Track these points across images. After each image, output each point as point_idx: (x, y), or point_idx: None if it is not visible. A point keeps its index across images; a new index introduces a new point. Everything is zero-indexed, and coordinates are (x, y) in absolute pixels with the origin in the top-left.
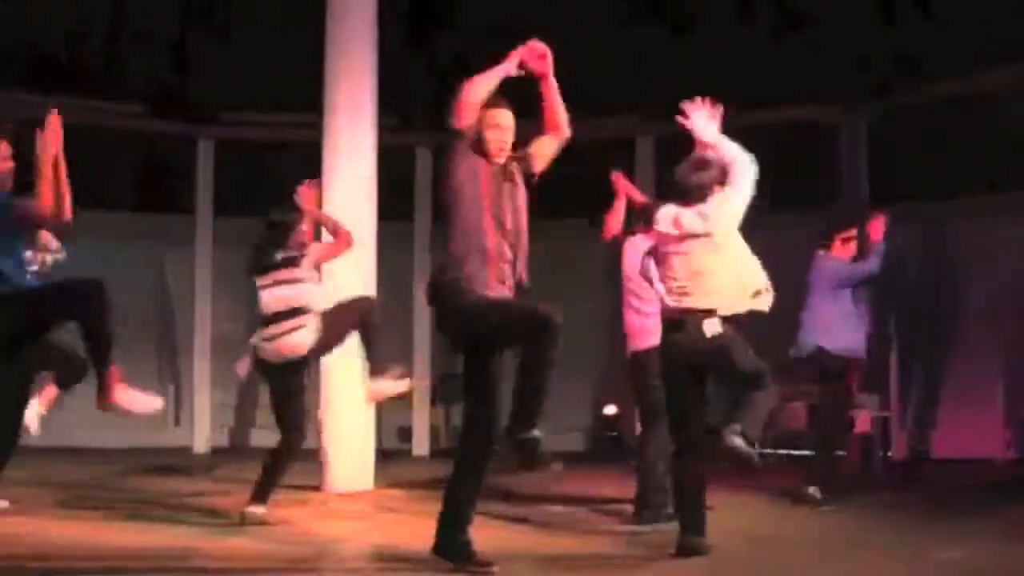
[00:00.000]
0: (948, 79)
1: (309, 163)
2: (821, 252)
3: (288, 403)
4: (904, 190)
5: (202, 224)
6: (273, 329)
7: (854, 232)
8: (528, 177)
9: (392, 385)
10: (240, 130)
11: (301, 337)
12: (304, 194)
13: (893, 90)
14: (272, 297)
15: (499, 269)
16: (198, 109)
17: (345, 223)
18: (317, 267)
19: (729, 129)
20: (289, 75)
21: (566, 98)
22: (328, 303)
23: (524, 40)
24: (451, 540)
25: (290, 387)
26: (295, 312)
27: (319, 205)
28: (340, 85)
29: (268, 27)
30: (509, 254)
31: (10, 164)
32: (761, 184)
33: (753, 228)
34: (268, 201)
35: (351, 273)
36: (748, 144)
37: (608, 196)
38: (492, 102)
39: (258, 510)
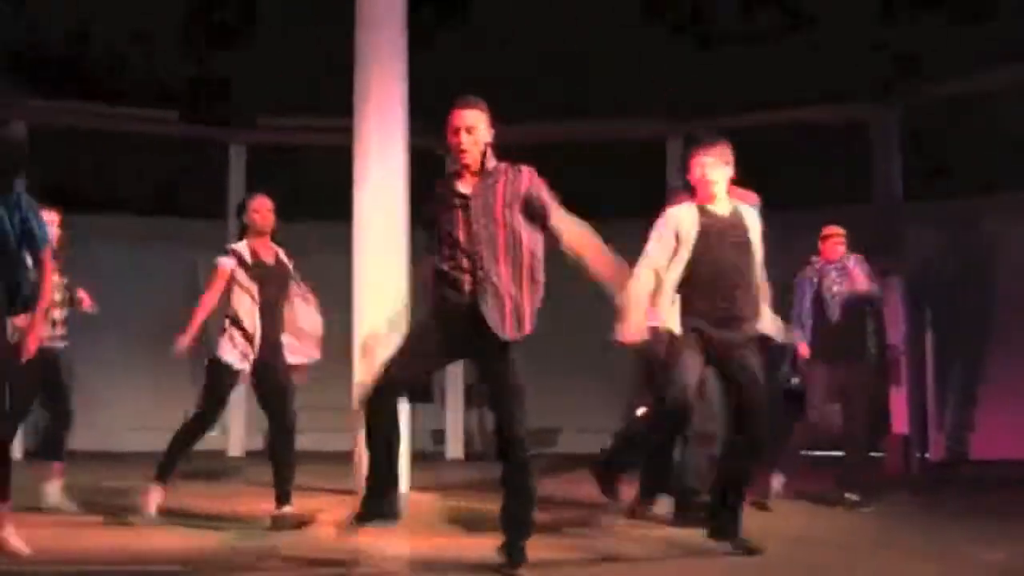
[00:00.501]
0: (981, 75)
1: (340, 167)
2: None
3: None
4: (938, 187)
5: (234, 228)
6: None
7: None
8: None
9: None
10: (272, 135)
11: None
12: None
13: (923, 86)
14: None
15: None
16: (230, 114)
17: (377, 226)
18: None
19: (759, 130)
20: (320, 79)
21: (598, 100)
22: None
23: (553, 44)
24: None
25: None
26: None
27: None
28: (371, 88)
29: (298, 31)
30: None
31: None
32: (795, 183)
33: (791, 227)
34: (300, 205)
35: (385, 279)
36: (779, 143)
37: (639, 197)
38: (457, 103)
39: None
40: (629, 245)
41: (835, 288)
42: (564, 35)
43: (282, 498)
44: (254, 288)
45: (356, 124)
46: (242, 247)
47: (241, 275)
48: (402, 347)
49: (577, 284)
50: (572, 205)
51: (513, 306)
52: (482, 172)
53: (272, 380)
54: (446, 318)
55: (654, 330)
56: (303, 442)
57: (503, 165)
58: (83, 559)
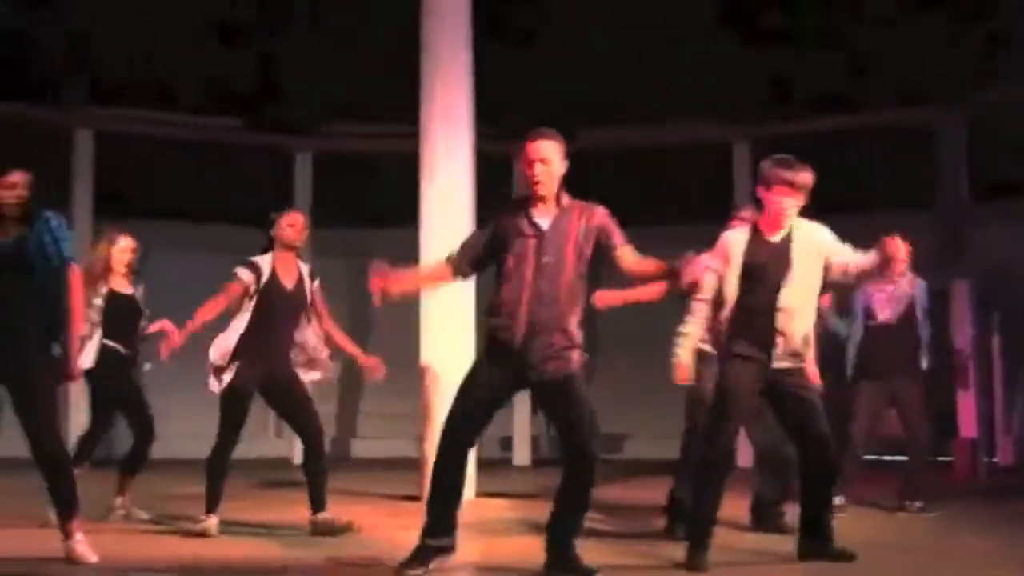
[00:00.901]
0: None
1: (406, 174)
2: None
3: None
4: (1006, 187)
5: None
6: None
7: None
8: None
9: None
10: (337, 142)
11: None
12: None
13: (990, 87)
14: None
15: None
16: (295, 122)
17: (443, 231)
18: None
19: (823, 133)
20: (385, 86)
21: (664, 105)
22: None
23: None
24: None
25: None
26: None
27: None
28: (436, 95)
29: (362, 36)
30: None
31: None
32: (857, 187)
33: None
34: (367, 212)
35: (451, 283)
36: (843, 147)
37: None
38: (531, 134)
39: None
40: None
41: (883, 306)
42: (630, 40)
43: (317, 505)
44: (262, 307)
45: (422, 127)
46: (265, 262)
47: (253, 291)
48: (463, 399)
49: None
50: (636, 211)
51: (566, 342)
52: (557, 205)
53: (283, 397)
54: (499, 359)
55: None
56: (369, 449)
57: (577, 202)
58: (146, 567)
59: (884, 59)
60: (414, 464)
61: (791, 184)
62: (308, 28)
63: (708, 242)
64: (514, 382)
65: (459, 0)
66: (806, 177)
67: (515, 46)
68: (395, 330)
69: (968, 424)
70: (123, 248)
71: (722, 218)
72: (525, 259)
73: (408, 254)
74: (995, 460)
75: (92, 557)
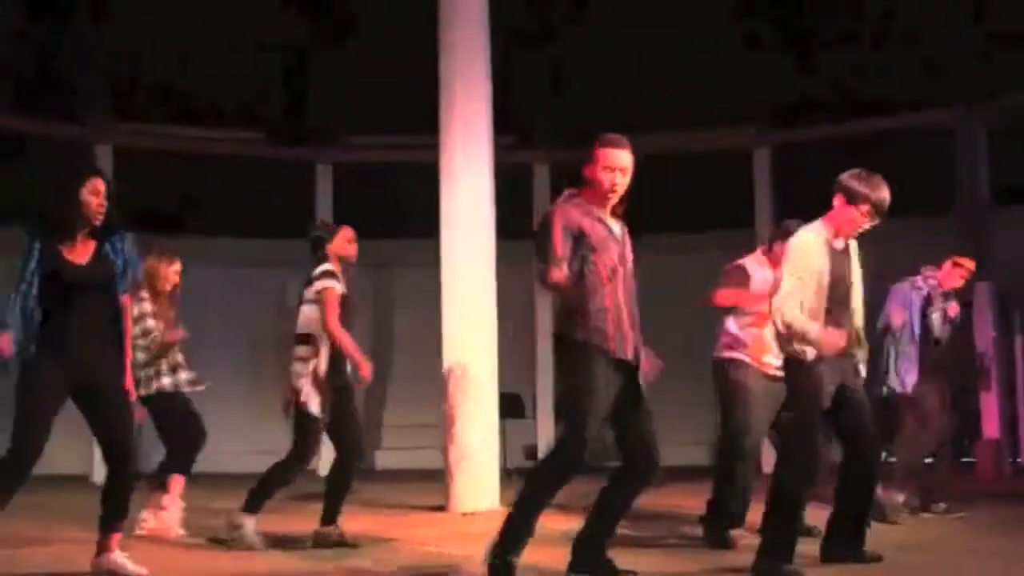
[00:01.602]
0: None
1: (427, 184)
2: None
3: (294, 435)
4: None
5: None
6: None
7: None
8: None
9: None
10: (357, 153)
11: (297, 380)
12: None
13: (1011, 90)
14: (299, 317)
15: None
16: (315, 134)
17: (464, 241)
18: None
19: (842, 138)
20: (404, 97)
21: (685, 110)
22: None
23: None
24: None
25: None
26: (303, 339)
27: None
28: (455, 105)
29: (382, 51)
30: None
31: (103, 201)
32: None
33: (874, 238)
34: (388, 223)
35: (472, 293)
36: (863, 152)
37: (725, 209)
38: (609, 140)
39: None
40: (710, 256)
41: (940, 314)
42: (650, 46)
43: (327, 518)
44: (342, 319)
45: (441, 137)
46: (337, 273)
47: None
48: (593, 408)
49: (673, 292)
50: (657, 217)
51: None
52: (614, 214)
53: (344, 410)
54: (607, 362)
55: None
56: (393, 460)
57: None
58: None
59: (903, 63)
60: (437, 475)
61: (878, 205)
62: (330, 41)
63: (727, 248)
64: (623, 387)
65: (476, 9)
66: (888, 196)
67: (536, 55)
68: (417, 342)
69: (991, 425)
70: (177, 269)
71: (743, 224)
72: (616, 265)
73: (429, 264)
74: (1019, 460)
75: (143, 570)
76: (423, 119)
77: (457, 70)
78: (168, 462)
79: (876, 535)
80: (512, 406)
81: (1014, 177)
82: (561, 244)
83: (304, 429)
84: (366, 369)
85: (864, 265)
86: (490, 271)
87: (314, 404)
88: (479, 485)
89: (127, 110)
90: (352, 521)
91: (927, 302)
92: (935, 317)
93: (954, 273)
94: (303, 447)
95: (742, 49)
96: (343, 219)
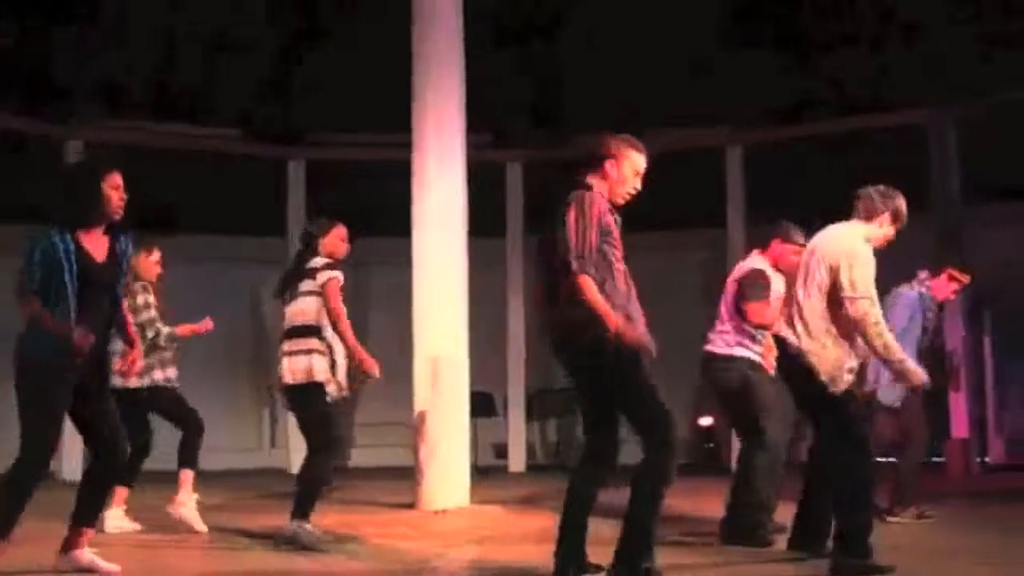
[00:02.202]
0: None
1: (400, 182)
2: None
3: (310, 430)
4: (1000, 190)
5: (295, 245)
6: (287, 346)
7: None
8: None
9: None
10: (330, 151)
11: (309, 363)
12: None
13: (982, 89)
14: (291, 309)
15: None
16: (289, 132)
17: (437, 240)
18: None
19: (818, 137)
20: (378, 95)
21: (657, 110)
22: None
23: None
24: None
25: (308, 414)
26: (307, 331)
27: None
28: (428, 103)
29: (357, 50)
30: None
31: (123, 195)
32: (850, 190)
33: None
34: (359, 221)
35: (444, 292)
36: (835, 151)
37: (698, 207)
38: (636, 144)
39: (305, 526)
40: (686, 256)
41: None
42: (623, 46)
43: (296, 514)
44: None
45: (414, 135)
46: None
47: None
48: (653, 386)
49: (649, 289)
50: (629, 215)
51: None
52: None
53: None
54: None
55: None
56: (364, 457)
57: None
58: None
59: (875, 63)
60: (408, 473)
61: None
62: (307, 40)
63: (699, 246)
64: None
65: (450, 8)
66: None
67: (510, 54)
68: (389, 340)
69: (960, 424)
70: (156, 259)
71: (714, 224)
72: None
73: (401, 263)
74: (987, 460)
75: (115, 567)
76: (398, 118)
77: (430, 69)
78: (180, 454)
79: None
80: (483, 405)
81: (986, 176)
82: (596, 237)
83: (319, 421)
84: (371, 365)
85: None
86: (462, 270)
87: (332, 389)
88: (449, 483)
89: (100, 106)
90: (323, 518)
91: (926, 309)
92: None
93: (949, 286)
94: (325, 439)
95: (718, 49)
96: (316, 217)
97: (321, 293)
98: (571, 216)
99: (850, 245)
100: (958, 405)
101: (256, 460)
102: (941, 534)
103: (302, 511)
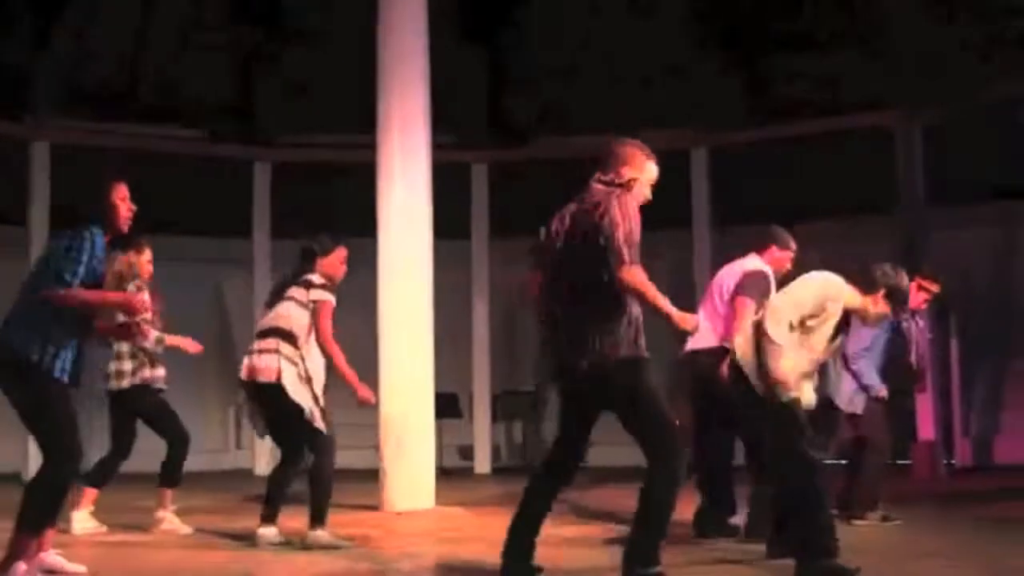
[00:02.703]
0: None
1: (364, 183)
2: None
3: (276, 431)
4: (968, 193)
5: (260, 246)
6: (257, 344)
7: None
8: None
9: (329, 540)
10: (295, 152)
11: (269, 361)
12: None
13: (954, 93)
14: (272, 313)
15: None
16: (254, 133)
17: (401, 241)
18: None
19: (783, 139)
20: (343, 97)
21: (623, 109)
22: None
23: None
24: None
25: (273, 413)
26: (281, 334)
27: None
28: (393, 104)
29: (321, 49)
30: None
31: (131, 207)
32: (815, 192)
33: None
34: (325, 223)
35: (409, 293)
36: (804, 153)
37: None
38: (649, 152)
39: (268, 531)
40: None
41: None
42: (589, 48)
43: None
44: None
45: (379, 137)
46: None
47: None
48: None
49: None
50: None
51: None
52: None
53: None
54: None
55: None
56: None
57: None
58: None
59: (842, 66)
60: (372, 475)
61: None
62: (273, 42)
63: (668, 248)
64: None
65: (416, 10)
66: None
67: (474, 54)
68: (354, 341)
69: (926, 427)
70: (148, 258)
71: (680, 225)
72: None
73: (366, 264)
74: (953, 462)
75: (81, 568)
76: (363, 120)
77: (395, 70)
78: (163, 471)
79: None
80: (448, 406)
81: (951, 178)
82: (638, 232)
83: (297, 429)
84: (365, 392)
85: (807, 265)
86: (427, 271)
87: (305, 401)
88: (414, 484)
89: (65, 107)
90: (287, 520)
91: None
92: (915, 334)
93: (918, 295)
94: (304, 442)
95: (683, 49)
96: (281, 218)
97: (307, 306)
98: (615, 212)
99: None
100: (924, 407)
101: (222, 461)
102: (907, 536)
103: (318, 519)
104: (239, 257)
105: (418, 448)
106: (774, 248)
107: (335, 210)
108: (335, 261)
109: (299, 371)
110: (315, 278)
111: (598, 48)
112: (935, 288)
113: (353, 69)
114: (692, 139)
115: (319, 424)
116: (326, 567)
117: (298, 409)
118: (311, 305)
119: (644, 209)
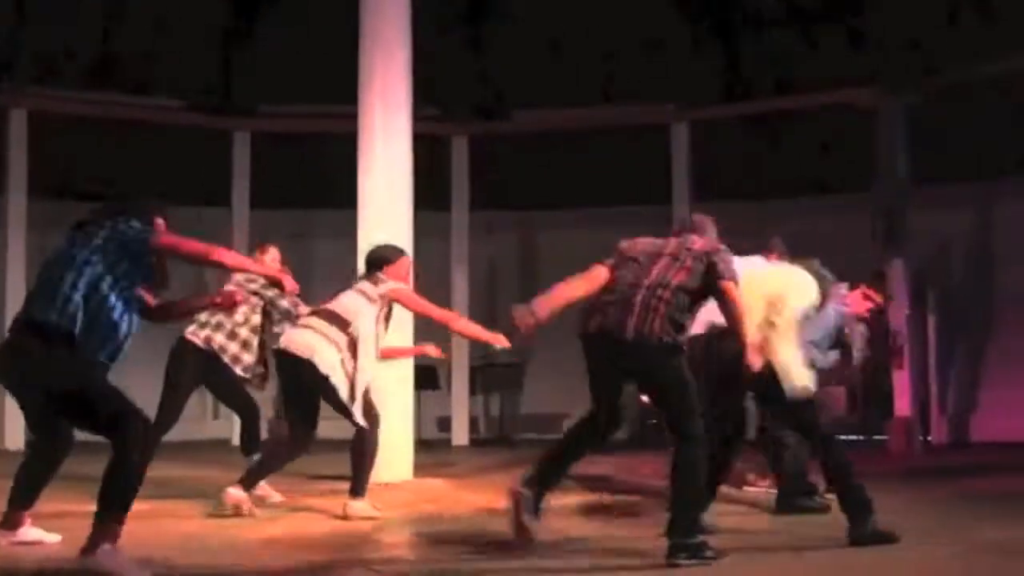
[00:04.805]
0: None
1: (346, 154)
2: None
3: (294, 407)
4: (947, 172)
5: (238, 216)
6: (303, 320)
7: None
8: None
9: (368, 510)
10: (275, 122)
11: (309, 339)
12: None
13: (935, 71)
14: (332, 301)
15: None
16: (235, 103)
17: (382, 212)
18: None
19: (767, 115)
20: (325, 67)
21: (605, 86)
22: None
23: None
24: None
25: (296, 388)
26: (333, 318)
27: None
28: (375, 76)
29: (302, 18)
30: None
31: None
32: (800, 169)
33: (792, 215)
34: (304, 193)
35: None
36: (785, 129)
37: (643, 183)
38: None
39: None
40: (632, 232)
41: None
42: (569, 21)
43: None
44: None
45: (360, 107)
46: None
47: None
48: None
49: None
50: (573, 192)
51: None
52: None
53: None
54: None
55: None
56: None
57: None
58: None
59: (823, 41)
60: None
61: None
62: (251, 9)
63: (647, 223)
64: None
65: None
66: None
67: (454, 26)
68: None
69: (903, 403)
70: (274, 258)
71: (660, 200)
72: None
73: (346, 235)
74: (929, 439)
75: (56, 536)
76: (344, 91)
77: (377, 41)
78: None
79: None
80: (426, 378)
81: (932, 156)
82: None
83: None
84: (497, 338)
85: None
86: (407, 243)
87: (340, 383)
88: (393, 456)
89: (43, 75)
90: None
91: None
92: (857, 338)
93: (863, 304)
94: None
95: (664, 24)
96: (262, 188)
97: (373, 300)
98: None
99: None
100: (901, 384)
101: (199, 431)
102: (883, 513)
103: (358, 490)
104: (218, 227)
105: (397, 420)
106: (774, 257)
107: (316, 181)
108: (399, 270)
109: (342, 357)
110: (384, 277)
111: (579, 22)
112: (879, 300)
113: (335, 39)
114: (673, 114)
115: (358, 419)
116: (299, 539)
117: (329, 390)
118: (379, 300)
119: (624, 183)
